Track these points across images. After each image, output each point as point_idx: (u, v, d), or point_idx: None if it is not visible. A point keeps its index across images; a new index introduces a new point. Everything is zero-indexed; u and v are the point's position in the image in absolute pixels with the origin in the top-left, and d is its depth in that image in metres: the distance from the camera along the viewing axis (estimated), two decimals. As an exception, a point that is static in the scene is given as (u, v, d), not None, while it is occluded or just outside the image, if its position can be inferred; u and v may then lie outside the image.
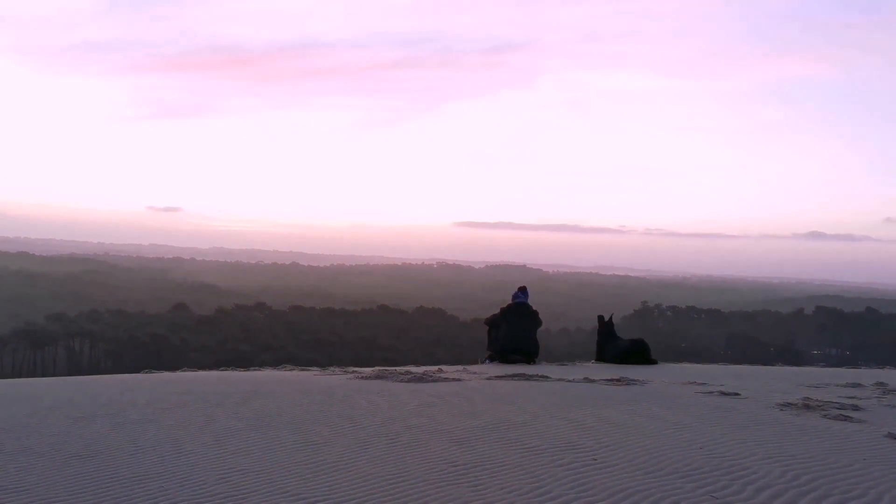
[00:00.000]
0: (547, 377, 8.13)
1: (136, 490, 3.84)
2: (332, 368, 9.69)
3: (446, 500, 3.65)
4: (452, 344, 79.52)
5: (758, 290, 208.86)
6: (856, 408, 6.27)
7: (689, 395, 6.99)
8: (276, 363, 11.94)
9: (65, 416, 5.78)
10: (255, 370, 9.92)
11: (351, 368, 9.60)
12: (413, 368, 9.17)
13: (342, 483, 3.93)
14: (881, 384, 7.91)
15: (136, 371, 10.08)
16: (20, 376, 48.22)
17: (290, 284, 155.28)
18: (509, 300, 11.88)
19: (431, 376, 7.98)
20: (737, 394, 7.02)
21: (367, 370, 9.04)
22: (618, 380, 7.91)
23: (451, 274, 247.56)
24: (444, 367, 9.33)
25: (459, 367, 9.78)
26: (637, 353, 10.91)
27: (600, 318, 11.76)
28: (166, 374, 9.26)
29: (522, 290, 11.91)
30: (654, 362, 10.83)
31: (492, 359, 11.23)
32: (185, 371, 10.18)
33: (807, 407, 6.26)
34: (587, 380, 7.94)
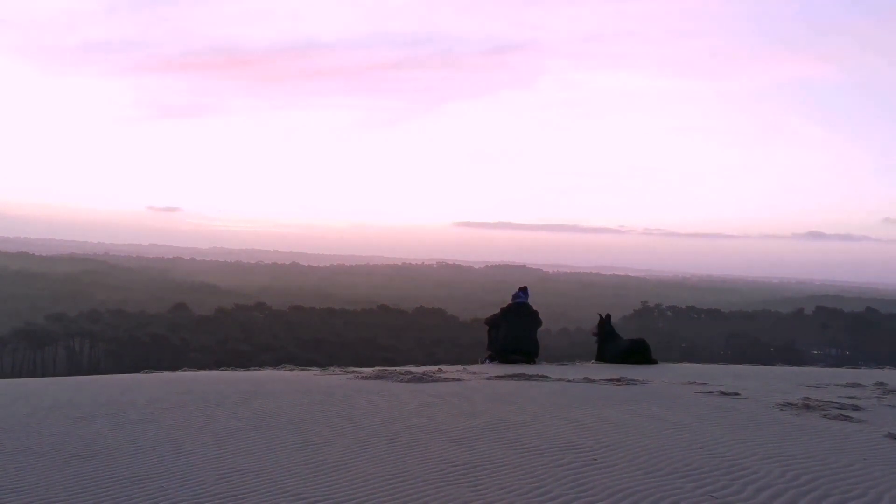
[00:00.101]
0: (547, 377, 8.13)
1: (135, 490, 3.84)
2: (332, 368, 9.69)
3: (446, 500, 3.64)
4: (452, 344, 79.51)
5: (758, 290, 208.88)
6: (856, 408, 6.27)
7: (689, 395, 6.99)
8: (276, 363, 11.94)
9: (65, 416, 5.78)
10: (254, 370, 9.91)
11: (351, 368, 9.60)
12: (413, 368, 9.17)
13: (342, 483, 3.93)
14: (881, 384, 7.91)
15: (136, 371, 10.08)
16: (20, 376, 48.20)
17: (290, 284, 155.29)
18: (509, 300, 11.87)
19: (431, 376, 7.98)
20: (737, 394, 7.02)
21: (367, 370, 9.04)
22: (618, 380, 7.91)
23: (451, 274, 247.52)
24: (444, 367, 9.33)
25: (459, 367, 9.78)
26: (637, 353, 10.91)
27: (600, 316, 11.76)
28: (166, 374, 9.26)
29: (523, 290, 11.91)
30: (654, 362, 10.83)
31: (492, 359, 11.23)
32: (184, 371, 10.18)
33: (807, 407, 6.26)
34: (587, 380, 7.94)
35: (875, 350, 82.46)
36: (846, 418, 5.77)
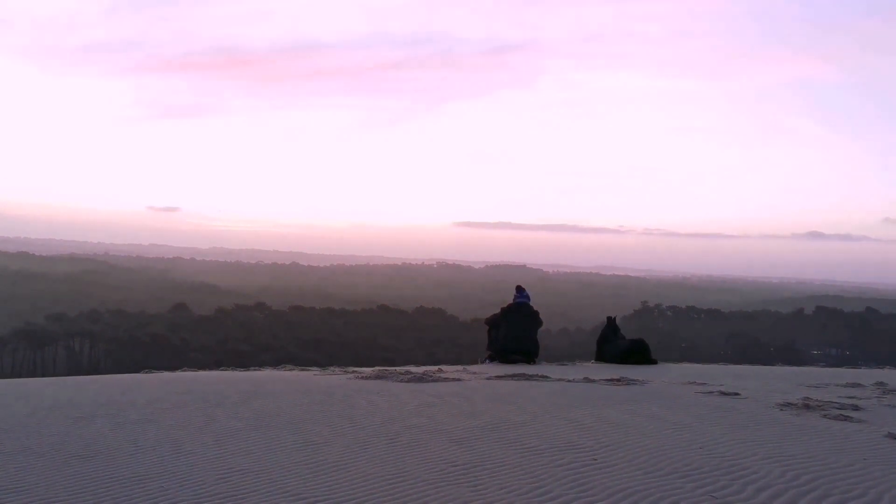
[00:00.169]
0: (547, 377, 8.13)
1: (135, 490, 3.84)
2: (332, 368, 9.69)
3: (446, 500, 3.65)
4: (452, 344, 79.50)
5: (758, 290, 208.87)
6: (856, 408, 6.27)
7: (689, 395, 6.99)
8: (276, 363, 11.94)
9: (65, 416, 5.78)
10: (254, 370, 9.91)
11: (351, 368, 9.60)
12: (413, 368, 9.17)
13: (342, 483, 3.93)
14: (881, 384, 7.91)
15: (136, 371, 10.08)
16: (20, 376, 48.20)
17: (290, 284, 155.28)
18: (509, 300, 11.87)
19: (431, 376, 7.99)
20: (737, 394, 7.02)
21: (367, 370, 9.04)
22: (618, 380, 7.91)
23: (451, 274, 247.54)
24: (443, 367, 9.33)
25: (459, 367, 9.78)
26: (637, 353, 10.91)
27: (609, 318, 11.82)
28: (166, 374, 9.26)
29: (521, 291, 11.91)
30: (654, 362, 10.83)
31: (492, 359, 11.23)
32: (184, 371, 10.18)
33: (807, 407, 6.26)
34: (587, 380, 7.94)
35: (875, 350, 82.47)
36: (846, 418, 5.77)
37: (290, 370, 9.69)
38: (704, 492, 3.77)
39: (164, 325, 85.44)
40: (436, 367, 9.36)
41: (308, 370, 9.54)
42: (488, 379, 8.04)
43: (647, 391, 7.24)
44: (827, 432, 5.25)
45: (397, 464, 4.28)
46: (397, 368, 9.12)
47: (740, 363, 12.10)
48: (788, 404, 6.39)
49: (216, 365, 12.59)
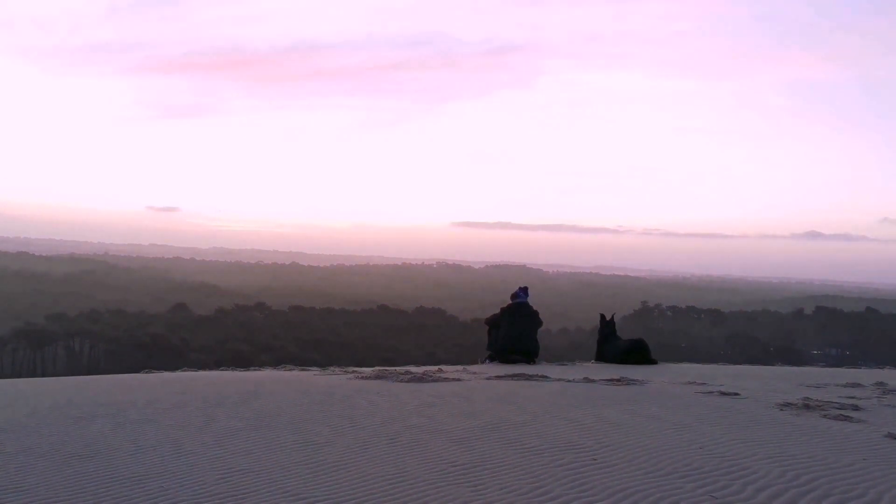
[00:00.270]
0: (547, 377, 8.13)
1: (135, 490, 3.85)
2: (331, 368, 9.69)
3: (446, 500, 3.65)
4: (452, 344, 79.46)
5: (757, 289, 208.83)
6: (855, 408, 6.27)
7: (689, 395, 6.99)
8: (276, 363, 11.93)
9: (65, 417, 5.79)
10: (255, 370, 9.92)
11: (351, 368, 9.60)
12: (413, 368, 9.17)
13: (342, 483, 3.93)
14: (881, 384, 7.91)
15: (136, 371, 10.08)
16: (20, 376, 48.19)
17: (290, 284, 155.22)
18: (509, 300, 11.86)
19: (431, 376, 7.99)
20: (737, 394, 7.02)
21: (367, 370, 9.04)
22: (618, 380, 7.91)
23: (451, 274, 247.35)
24: (444, 367, 9.33)
25: (459, 367, 9.78)
26: (637, 353, 10.90)
27: (602, 316, 11.73)
28: (166, 374, 9.27)
29: (523, 290, 11.91)
30: (653, 362, 10.82)
31: (492, 359, 11.22)
32: (184, 371, 10.19)
33: (807, 407, 6.26)
34: (587, 380, 7.95)
35: (875, 350, 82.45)
36: (846, 418, 5.77)
37: (290, 370, 9.69)
38: (705, 492, 3.77)
39: (163, 325, 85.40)
40: (436, 368, 9.36)
41: (308, 370, 9.54)
42: (488, 379, 8.04)
43: (646, 391, 7.24)
44: (827, 432, 5.25)
45: (397, 464, 4.28)
46: (397, 368, 9.12)
47: (740, 363, 12.09)
48: (788, 404, 6.39)
49: (216, 365, 12.59)
